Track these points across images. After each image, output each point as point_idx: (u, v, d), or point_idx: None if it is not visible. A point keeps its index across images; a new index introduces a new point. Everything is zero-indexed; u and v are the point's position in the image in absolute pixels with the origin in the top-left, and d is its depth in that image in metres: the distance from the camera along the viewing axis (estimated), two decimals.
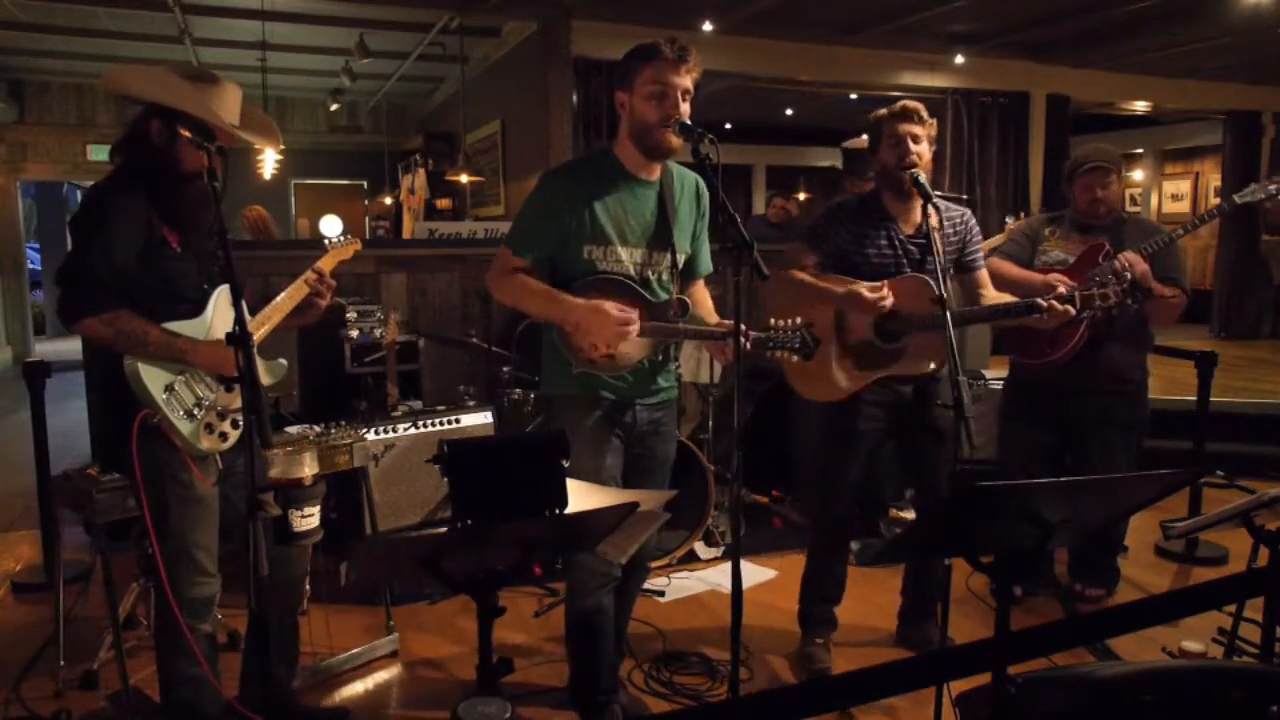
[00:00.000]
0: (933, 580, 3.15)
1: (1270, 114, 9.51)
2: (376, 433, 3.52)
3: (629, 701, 2.70)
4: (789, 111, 11.31)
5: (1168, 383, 5.77)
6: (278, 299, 2.42)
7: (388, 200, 11.44)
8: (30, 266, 11.39)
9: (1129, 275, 3.06)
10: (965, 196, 7.66)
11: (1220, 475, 3.21)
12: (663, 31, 2.39)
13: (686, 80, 2.28)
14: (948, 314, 2.47)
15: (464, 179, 8.48)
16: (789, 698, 1.06)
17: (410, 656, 3.13)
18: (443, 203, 9.75)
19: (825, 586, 3.08)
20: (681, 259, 2.49)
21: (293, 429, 3.10)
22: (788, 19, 7.01)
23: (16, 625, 3.40)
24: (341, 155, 12.01)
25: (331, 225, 7.65)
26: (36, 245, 13.07)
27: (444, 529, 1.60)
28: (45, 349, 10.80)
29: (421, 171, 10.10)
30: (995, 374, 4.48)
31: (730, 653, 2.06)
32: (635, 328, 2.29)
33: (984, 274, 2.99)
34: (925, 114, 2.83)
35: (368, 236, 10.50)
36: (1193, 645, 2.89)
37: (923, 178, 2.69)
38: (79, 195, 11.40)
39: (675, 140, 2.31)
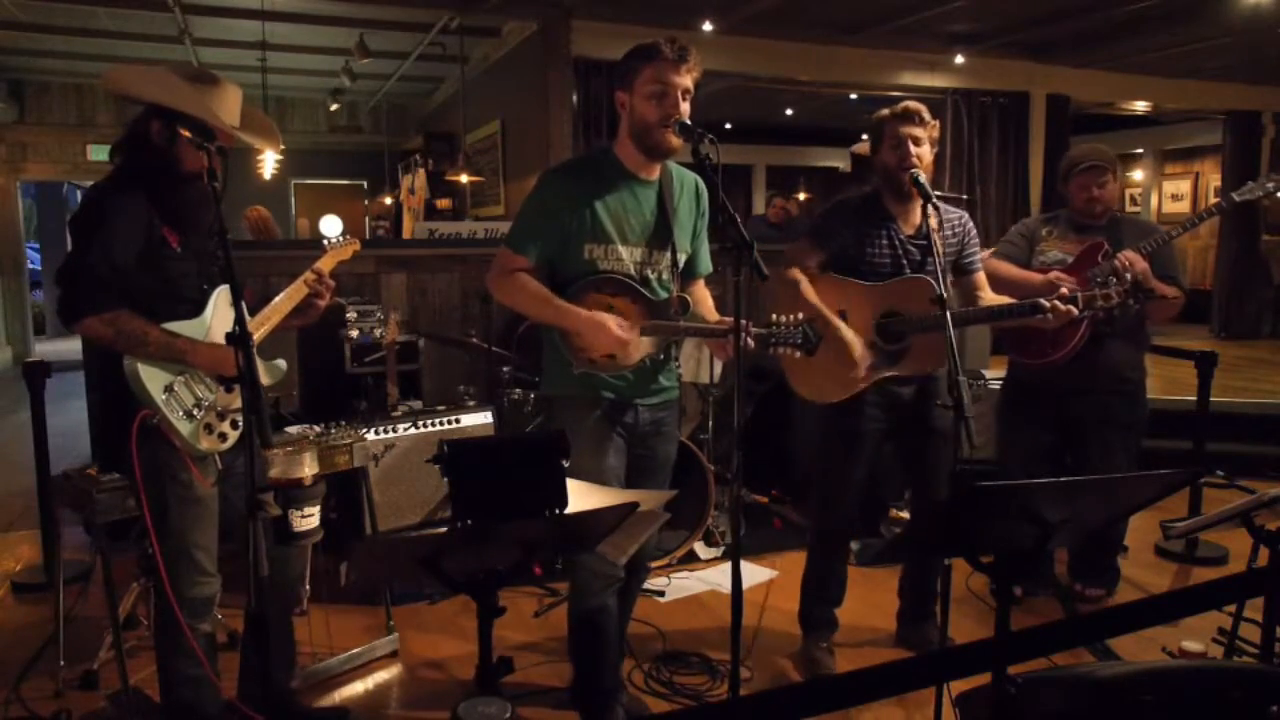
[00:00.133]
0: (931, 580, 3.15)
1: (1270, 114, 9.51)
2: (376, 433, 3.52)
3: (629, 701, 2.69)
4: (789, 111, 11.31)
5: (1168, 383, 5.77)
6: (277, 299, 2.42)
7: (388, 200, 11.44)
8: (30, 266, 11.39)
9: (1129, 274, 3.06)
10: (965, 197, 7.66)
11: (1220, 475, 3.21)
12: (663, 31, 2.39)
13: (686, 80, 2.29)
14: (948, 314, 2.47)
15: (464, 179, 8.49)
16: (789, 698, 1.06)
17: (410, 656, 3.13)
18: (443, 203, 9.75)
19: (826, 588, 3.08)
20: (682, 258, 2.49)
21: (293, 429, 3.10)
22: (788, 19, 7.01)
23: (16, 625, 3.40)
24: (341, 155, 12.01)
25: (331, 225, 7.64)
26: (36, 245, 13.08)
27: (444, 529, 1.60)
28: (45, 349, 10.80)
29: (421, 171, 10.10)
30: (995, 374, 4.47)
31: (730, 653, 2.06)
32: (633, 351, 2.32)
33: (981, 276, 3.00)
34: (927, 115, 2.83)
35: (368, 236, 10.50)
36: (1193, 645, 2.89)
37: (923, 178, 2.69)
38: (79, 195, 11.41)
39: (675, 140, 2.31)
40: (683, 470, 3.25)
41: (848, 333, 2.75)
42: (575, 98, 6.82)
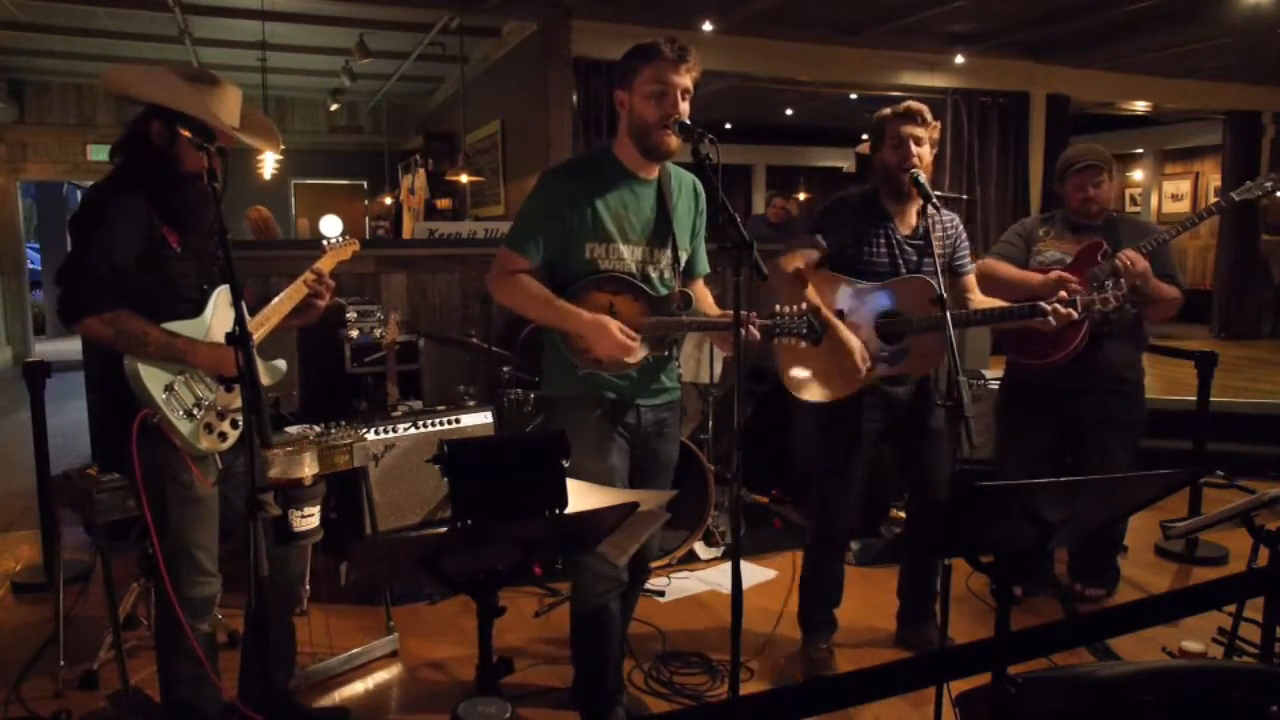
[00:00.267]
0: (930, 580, 3.15)
1: (1270, 114, 9.51)
2: (376, 433, 3.53)
3: (629, 701, 2.69)
4: (789, 111, 11.31)
5: (1168, 383, 5.77)
6: (276, 300, 2.42)
7: (388, 200, 11.44)
8: (30, 266, 11.39)
9: (1131, 273, 3.06)
10: (965, 197, 7.67)
11: (1220, 475, 3.21)
12: (663, 31, 2.39)
13: (686, 80, 2.29)
14: (948, 314, 2.47)
15: (464, 179, 8.49)
16: (789, 698, 1.05)
17: (410, 656, 3.13)
18: (443, 203, 9.75)
19: (824, 589, 3.08)
20: (683, 256, 2.49)
21: (293, 429, 3.10)
22: (788, 19, 7.02)
23: (16, 625, 3.40)
24: (341, 155, 12.01)
25: (331, 225, 7.64)
26: (36, 245, 13.07)
27: (444, 529, 1.60)
28: (45, 349, 10.80)
29: (421, 171, 10.10)
30: (995, 374, 4.48)
31: (730, 653, 2.06)
32: (636, 352, 2.31)
33: (971, 279, 3.00)
34: (929, 116, 2.83)
35: (368, 236, 10.50)
36: (1193, 645, 2.89)
37: (923, 179, 2.69)
38: (79, 195, 11.40)
39: (674, 141, 2.31)
40: (683, 470, 3.25)
41: (847, 334, 2.74)
42: (575, 98, 6.82)
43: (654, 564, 3.27)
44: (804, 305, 2.36)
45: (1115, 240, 3.23)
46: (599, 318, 2.30)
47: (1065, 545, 3.54)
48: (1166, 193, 11.91)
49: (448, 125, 10.30)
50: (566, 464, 1.72)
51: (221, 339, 1.95)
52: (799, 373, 2.88)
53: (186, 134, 2.10)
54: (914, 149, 2.77)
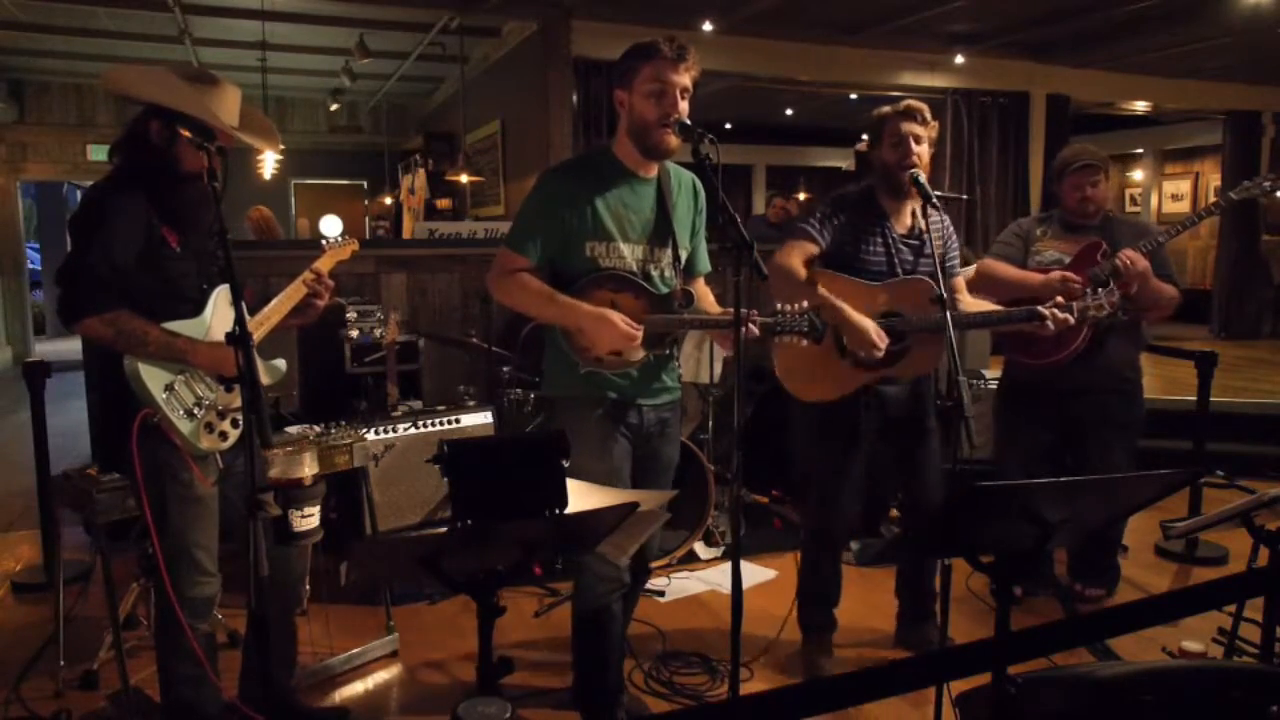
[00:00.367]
0: (927, 580, 3.16)
1: (1270, 114, 9.51)
2: (376, 433, 3.52)
3: (629, 701, 2.69)
4: (789, 111, 11.31)
5: (1168, 383, 5.77)
6: (276, 299, 2.42)
7: (388, 200, 11.44)
8: (30, 266, 11.39)
9: (1131, 273, 3.07)
10: (965, 197, 7.67)
11: (1220, 475, 3.21)
12: (663, 31, 2.39)
13: (685, 79, 2.29)
14: (948, 314, 2.47)
15: (464, 179, 8.49)
16: (789, 698, 1.05)
17: (410, 656, 3.13)
18: (443, 203, 9.75)
19: (822, 589, 3.08)
20: (683, 254, 2.49)
21: (293, 429, 3.10)
22: (788, 19, 7.02)
23: (16, 625, 3.40)
24: (341, 155, 12.02)
25: (331, 225, 7.64)
26: (36, 245, 13.08)
27: (444, 529, 1.60)
28: (45, 349, 10.80)
29: (421, 171, 10.10)
30: (995, 374, 4.48)
31: (730, 653, 2.06)
32: (639, 343, 2.30)
33: (960, 280, 3.01)
34: (929, 115, 2.83)
35: (368, 236, 10.50)
36: (1193, 645, 2.89)
37: (923, 178, 2.69)
38: (79, 195, 11.40)
39: (674, 140, 2.31)
40: (683, 470, 3.25)
41: (857, 316, 2.71)
42: (575, 98, 6.82)
43: (654, 564, 3.27)
44: (804, 304, 2.36)
45: (1112, 240, 3.23)
46: (601, 310, 2.29)
47: (1065, 545, 3.54)
48: (1166, 193, 11.91)
49: (448, 125, 10.30)
50: (566, 464, 1.72)
51: (221, 339, 1.95)
52: (797, 372, 2.88)
53: (186, 134, 2.10)
54: (914, 147, 2.77)
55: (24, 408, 4.25)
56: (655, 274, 2.44)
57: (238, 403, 2.26)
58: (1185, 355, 4.41)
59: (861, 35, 7.45)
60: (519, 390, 3.98)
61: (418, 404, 3.97)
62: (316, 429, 3.07)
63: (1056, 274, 3.16)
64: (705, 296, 2.62)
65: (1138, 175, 12.23)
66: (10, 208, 10.19)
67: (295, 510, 2.39)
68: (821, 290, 2.73)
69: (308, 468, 2.41)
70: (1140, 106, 9.27)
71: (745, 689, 2.73)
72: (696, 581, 3.76)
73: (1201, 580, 2.73)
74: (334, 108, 11.31)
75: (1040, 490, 1.61)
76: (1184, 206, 11.56)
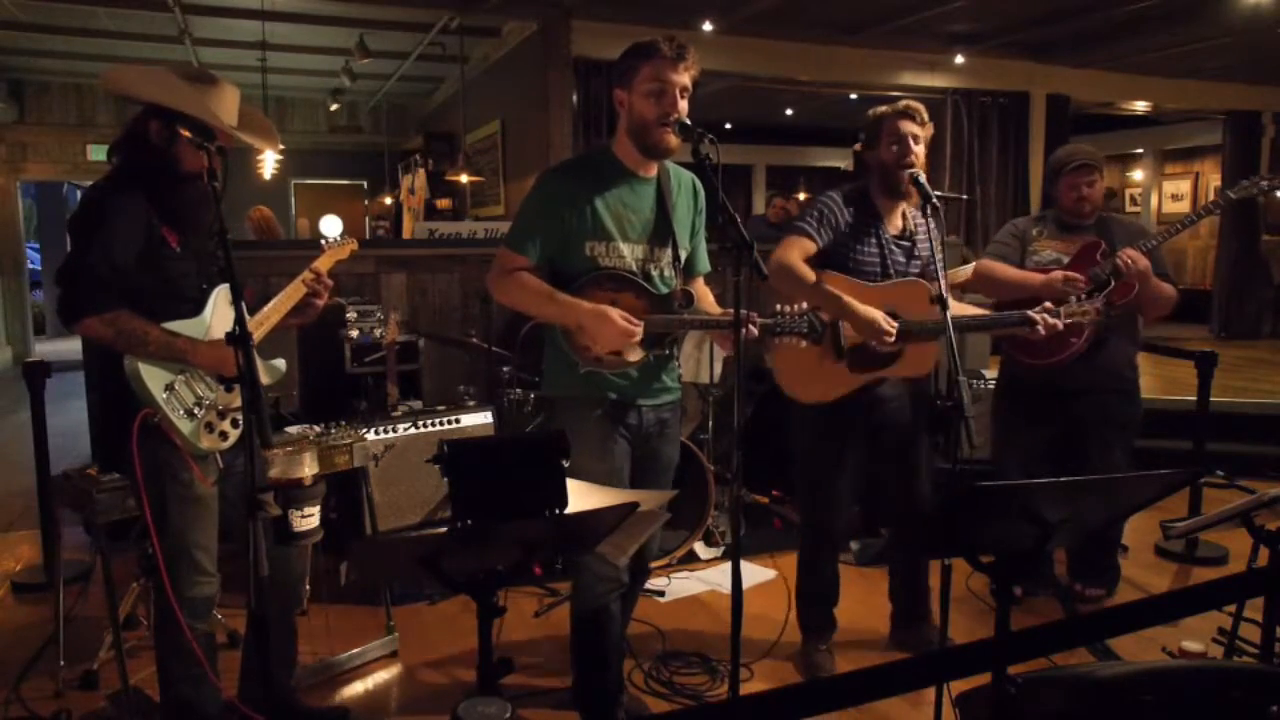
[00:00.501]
0: (922, 579, 3.16)
1: (1270, 114, 9.51)
2: (376, 433, 3.52)
3: (629, 701, 2.70)
4: (789, 111, 11.31)
5: (1168, 383, 5.77)
6: (275, 299, 2.42)
7: (388, 200, 11.44)
8: (30, 266, 11.39)
9: (1132, 272, 3.07)
10: (965, 197, 7.67)
11: (1220, 475, 3.21)
12: (663, 31, 2.39)
13: (685, 78, 2.29)
14: (948, 314, 2.48)
15: (464, 179, 8.48)
16: (789, 698, 1.05)
17: (410, 656, 3.13)
18: (443, 203, 9.75)
19: (820, 589, 3.08)
20: (683, 254, 2.49)
21: (293, 429, 3.10)
22: (788, 19, 7.02)
23: (16, 625, 3.40)
24: (341, 155, 12.02)
25: (331, 225, 7.65)
26: (36, 245, 13.08)
27: (444, 529, 1.60)
28: (45, 349, 10.80)
29: (421, 171, 10.10)
30: (995, 374, 4.48)
31: (730, 653, 2.06)
32: (638, 339, 2.30)
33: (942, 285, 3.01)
34: (925, 116, 2.84)
35: (368, 236, 10.50)
36: (1193, 645, 2.89)
37: (923, 178, 2.69)
38: (79, 195, 11.41)
39: (673, 140, 2.31)
40: (683, 470, 3.25)
41: (864, 306, 2.71)
42: (575, 98, 6.82)
43: (654, 564, 3.27)
44: (804, 305, 2.36)
45: (1108, 239, 3.24)
46: (600, 307, 2.28)
47: (1065, 545, 3.54)
48: (1166, 193, 11.92)
49: (448, 125, 10.30)
50: (566, 464, 1.72)
51: (221, 338, 1.95)
52: (794, 374, 2.88)
53: (186, 134, 2.10)
54: (912, 146, 2.77)
55: (24, 408, 4.25)
56: (655, 274, 2.43)
57: (238, 403, 2.26)
58: (1185, 355, 4.41)
59: (861, 35, 7.45)
60: (519, 390, 3.98)
61: (418, 404, 3.97)
62: (316, 429, 3.07)
63: (1059, 274, 3.16)
64: (705, 297, 2.62)
65: (1138, 175, 12.23)
66: (10, 208, 10.19)
67: (295, 510, 2.40)
68: (827, 286, 2.72)
69: (308, 468, 2.42)
70: (1140, 106, 9.27)
71: (745, 689, 2.73)
72: (696, 581, 3.76)
73: (1201, 580, 2.73)
74: (334, 108, 11.31)
75: (1040, 490, 1.61)
76: (1184, 206, 11.57)
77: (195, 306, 2.28)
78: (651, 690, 2.88)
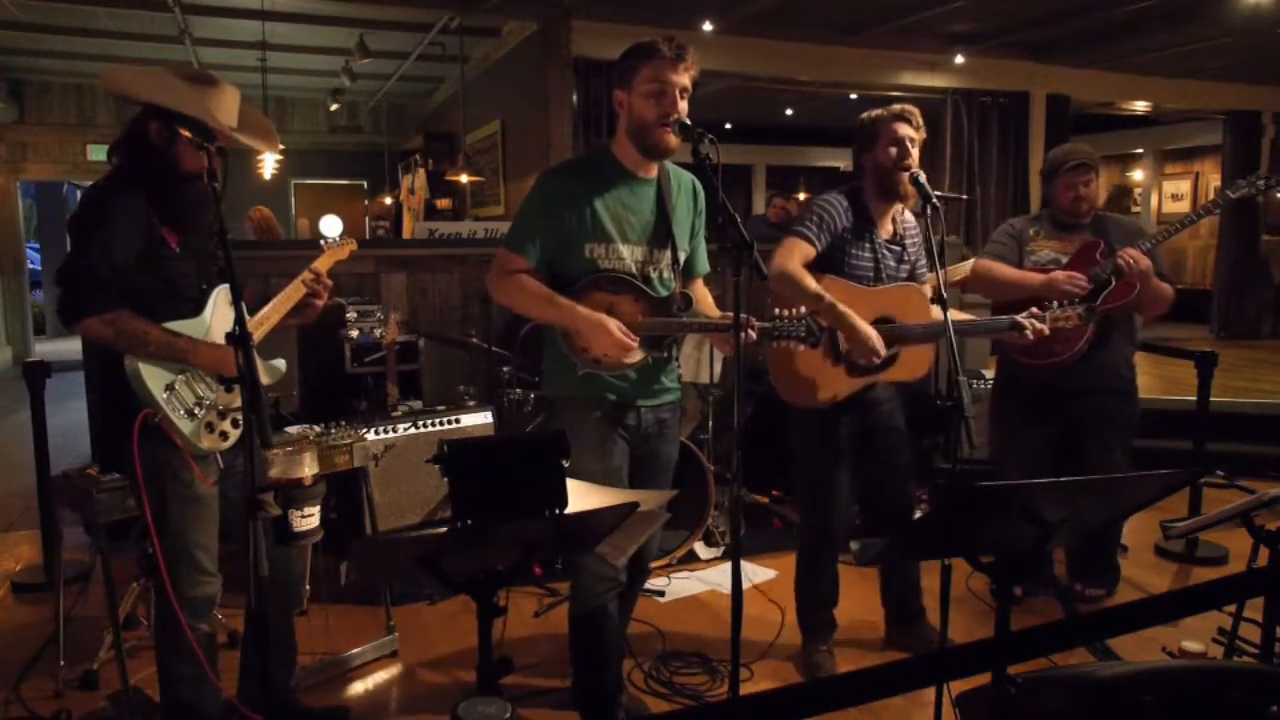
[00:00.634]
0: (914, 577, 3.18)
1: (1270, 114, 9.51)
2: (376, 433, 3.52)
3: (629, 701, 2.70)
4: (789, 111, 11.31)
5: (1168, 383, 5.77)
6: (274, 300, 2.42)
7: (388, 200, 11.44)
8: (30, 266, 11.39)
9: (1134, 272, 3.08)
10: (965, 197, 7.67)
11: (1220, 475, 3.21)
12: (663, 31, 2.39)
13: (684, 78, 2.29)
14: (948, 314, 2.48)
15: (464, 179, 8.49)
16: (789, 698, 1.05)
17: (410, 656, 3.13)
18: (443, 203, 9.75)
19: (819, 590, 3.08)
20: (682, 256, 2.49)
21: (293, 429, 3.10)
22: (788, 19, 7.02)
23: (16, 625, 3.40)
24: (341, 155, 12.02)
25: (331, 225, 7.65)
26: (36, 245, 13.08)
27: (444, 529, 1.60)
28: (45, 349, 10.80)
29: (421, 171, 10.10)
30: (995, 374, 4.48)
31: (730, 653, 2.06)
32: (634, 352, 2.32)
33: (929, 288, 3.02)
34: (920, 120, 2.87)
35: (368, 236, 10.51)
36: (1193, 645, 2.88)
37: (923, 178, 2.69)
38: (79, 195, 11.41)
39: (673, 140, 2.31)
40: (683, 470, 3.25)
41: (862, 323, 2.72)
42: (575, 98, 6.82)
43: (654, 564, 3.28)
44: (802, 309, 2.37)
45: (1105, 238, 3.24)
46: (597, 315, 2.29)
47: (1065, 545, 3.54)
48: (1166, 193, 11.92)
49: (448, 125, 10.30)
50: (566, 464, 1.72)
51: (221, 338, 1.95)
52: (791, 377, 2.88)
53: (186, 134, 2.10)
54: (910, 149, 2.79)
55: (24, 408, 4.25)
56: (654, 276, 2.43)
57: (238, 403, 2.26)
58: (1185, 355, 4.40)
59: (861, 35, 7.45)
60: (519, 390, 3.98)
61: (418, 404, 3.97)
62: (316, 429, 3.07)
63: (1060, 275, 3.16)
64: (704, 298, 2.62)
65: (1138, 175, 12.23)
66: (10, 208, 10.19)
67: (295, 510, 2.40)
68: (829, 297, 2.73)
69: (308, 468, 2.42)
70: (1140, 106, 9.27)
71: (745, 689, 2.73)
72: (696, 581, 3.76)
73: (1201, 580, 2.73)
74: (334, 108, 11.31)
75: (1040, 490, 1.61)
76: (1184, 206, 11.57)
77: (195, 307, 2.28)
78: (651, 690, 2.88)
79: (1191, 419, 4.35)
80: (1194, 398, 4.31)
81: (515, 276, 2.37)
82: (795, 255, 2.78)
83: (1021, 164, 8.29)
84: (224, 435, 2.29)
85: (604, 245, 2.36)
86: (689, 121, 2.25)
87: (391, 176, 11.75)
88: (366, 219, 12.01)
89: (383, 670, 3.05)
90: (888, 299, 2.83)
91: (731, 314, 2.11)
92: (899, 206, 2.94)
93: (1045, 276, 3.19)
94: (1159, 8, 6.66)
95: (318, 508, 2.46)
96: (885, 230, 2.91)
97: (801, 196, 12.73)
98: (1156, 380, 6.00)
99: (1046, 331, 2.77)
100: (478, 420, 3.83)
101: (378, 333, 4.02)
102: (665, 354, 2.48)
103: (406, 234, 9.74)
